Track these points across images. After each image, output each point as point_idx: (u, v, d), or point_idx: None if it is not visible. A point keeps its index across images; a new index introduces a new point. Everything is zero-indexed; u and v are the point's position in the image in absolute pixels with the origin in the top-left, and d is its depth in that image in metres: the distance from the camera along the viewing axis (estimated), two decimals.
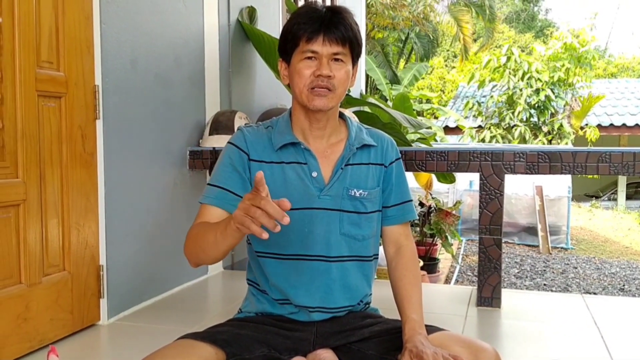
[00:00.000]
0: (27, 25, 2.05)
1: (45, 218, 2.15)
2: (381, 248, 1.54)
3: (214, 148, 3.01)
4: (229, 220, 1.15)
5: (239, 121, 3.12)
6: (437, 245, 5.57)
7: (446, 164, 2.67)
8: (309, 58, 1.36)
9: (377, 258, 1.54)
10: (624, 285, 6.15)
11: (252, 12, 3.81)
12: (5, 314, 1.98)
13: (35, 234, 2.10)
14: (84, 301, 2.35)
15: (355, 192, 1.44)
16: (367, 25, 10.08)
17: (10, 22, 1.98)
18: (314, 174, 1.42)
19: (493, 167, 2.60)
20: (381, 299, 1.72)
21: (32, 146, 2.07)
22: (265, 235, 1.05)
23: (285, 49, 1.41)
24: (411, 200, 1.56)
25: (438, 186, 6.90)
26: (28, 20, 2.05)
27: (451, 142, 11.73)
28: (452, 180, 3.89)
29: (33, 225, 2.09)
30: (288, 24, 1.40)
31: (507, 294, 2.80)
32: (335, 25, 1.35)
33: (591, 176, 8.32)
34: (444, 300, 2.83)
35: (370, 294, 1.53)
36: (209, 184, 1.42)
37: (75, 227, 2.28)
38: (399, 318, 1.39)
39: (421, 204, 5.27)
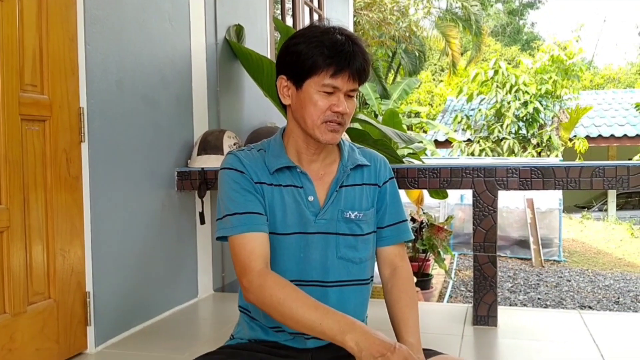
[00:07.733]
0: (10, 49, 2.01)
1: (30, 244, 2.09)
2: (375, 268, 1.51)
3: (202, 168, 2.97)
4: (342, 333, 1.17)
5: (227, 140, 3.08)
6: (429, 261, 5.53)
7: (439, 181, 2.63)
8: (328, 92, 1.32)
9: (373, 280, 1.51)
10: (618, 298, 6.12)
11: (239, 30, 3.79)
12: None
13: (19, 261, 2.04)
14: (70, 330, 2.28)
15: (350, 214, 1.41)
16: None
17: None
18: (310, 198, 1.39)
19: (486, 184, 2.57)
20: (376, 319, 1.66)
21: (15, 171, 2.02)
22: None
23: (296, 70, 1.34)
24: (406, 220, 1.53)
25: (429, 201, 6.86)
26: (11, 44, 2.01)
27: (441, 155, 11.74)
28: (444, 196, 3.86)
29: (17, 253, 2.03)
30: (305, 46, 1.31)
31: (503, 312, 2.75)
32: (361, 64, 1.32)
33: None
34: (439, 320, 2.78)
35: (366, 317, 1.49)
36: (227, 215, 1.34)
37: (60, 253, 2.22)
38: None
39: (413, 220, 5.23)
